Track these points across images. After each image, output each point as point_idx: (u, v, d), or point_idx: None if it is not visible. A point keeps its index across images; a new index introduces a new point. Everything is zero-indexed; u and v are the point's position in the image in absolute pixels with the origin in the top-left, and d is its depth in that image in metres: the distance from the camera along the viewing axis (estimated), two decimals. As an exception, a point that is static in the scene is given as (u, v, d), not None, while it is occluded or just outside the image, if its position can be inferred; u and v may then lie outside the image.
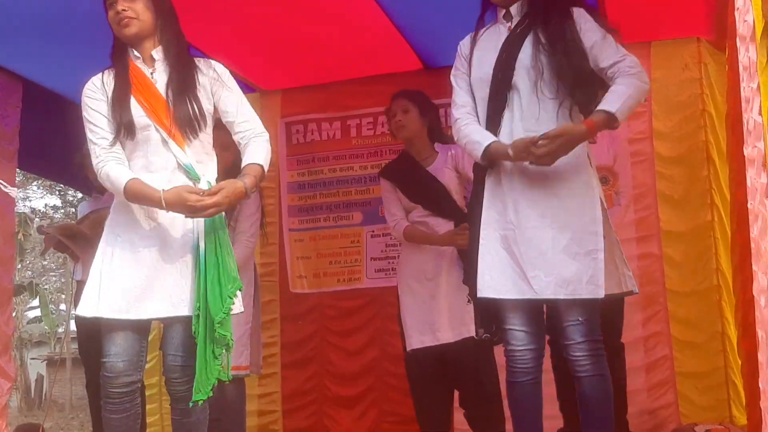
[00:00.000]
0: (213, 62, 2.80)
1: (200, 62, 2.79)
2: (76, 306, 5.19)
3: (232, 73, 5.05)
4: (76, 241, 4.48)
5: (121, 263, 2.66)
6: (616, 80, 2.58)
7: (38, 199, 21.76)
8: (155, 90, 2.70)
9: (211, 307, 2.54)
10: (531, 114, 2.63)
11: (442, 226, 3.78)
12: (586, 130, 2.57)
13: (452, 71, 2.86)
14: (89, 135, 2.73)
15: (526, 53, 2.65)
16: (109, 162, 2.67)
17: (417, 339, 3.77)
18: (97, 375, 4.49)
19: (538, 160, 2.52)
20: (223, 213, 2.65)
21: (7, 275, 4.93)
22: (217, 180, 2.76)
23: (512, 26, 2.73)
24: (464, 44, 2.86)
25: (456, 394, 3.93)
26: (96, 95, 2.75)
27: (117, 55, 2.79)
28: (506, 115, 2.67)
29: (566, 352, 2.62)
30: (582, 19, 2.66)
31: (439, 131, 4.11)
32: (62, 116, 5.16)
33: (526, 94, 2.64)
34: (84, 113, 2.76)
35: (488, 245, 2.64)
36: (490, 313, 2.70)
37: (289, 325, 5.44)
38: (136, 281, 2.64)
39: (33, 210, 19.56)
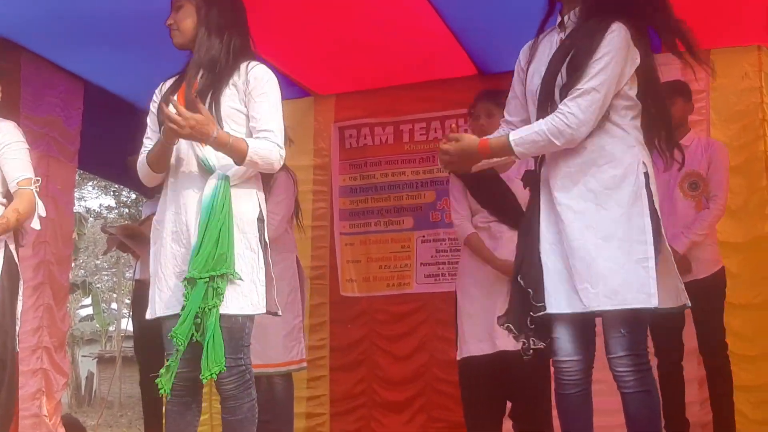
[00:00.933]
0: (254, 67, 2.83)
1: (243, 65, 2.83)
2: (132, 304, 5.33)
3: (286, 77, 5.18)
4: (136, 241, 4.57)
5: (162, 261, 2.78)
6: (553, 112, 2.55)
7: (93, 199, 22.25)
8: (190, 93, 2.83)
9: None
10: None
11: (506, 233, 3.71)
12: (476, 149, 2.63)
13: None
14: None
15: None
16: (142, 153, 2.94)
17: (475, 346, 3.72)
18: (150, 374, 4.62)
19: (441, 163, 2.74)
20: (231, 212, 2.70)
21: (64, 274, 5.04)
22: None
23: (564, 37, 2.65)
24: (523, 52, 2.82)
25: (508, 405, 3.88)
26: (154, 98, 2.95)
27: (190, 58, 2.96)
28: None
29: (610, 367, 2.56)
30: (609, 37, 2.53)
31: None
32: (121, 118, 5.28)
33: None
34: None
35: (546, 258, 2.60)
36: (543, 323, 2.66)
37: (338, 328, 5.46)
38: (173, 279, 2.74)
39: (88, 210, 19.94)
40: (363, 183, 5.59)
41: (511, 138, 2.57)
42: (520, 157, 2.65)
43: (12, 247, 3.28)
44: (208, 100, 2.75)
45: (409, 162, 5.50)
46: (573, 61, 2.53)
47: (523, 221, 2.78)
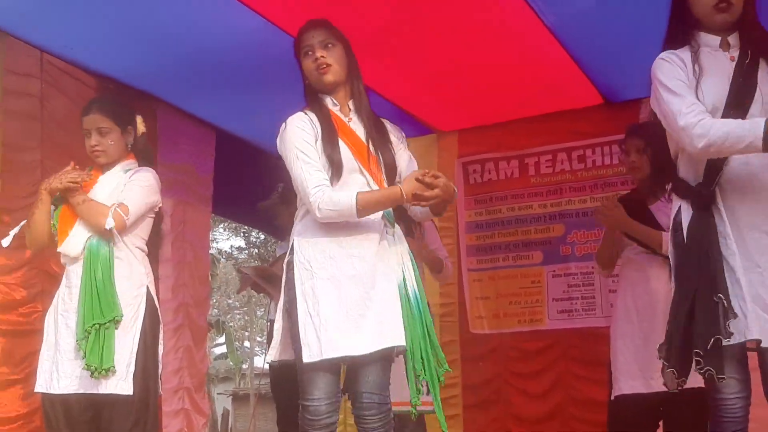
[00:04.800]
0: (390, 124, 2.93)
1: (385, 121, 2.90)
2: (268, 344, 5.40)
3: (408, 115, 5.22)
4: (270, 281, 4.67)
5: (326, 301, 2.62)
6: None
7: (224, 240, 22.96)
8: (358, 137, 2.75)
9: (433, 343, 2.69)
10: None
11: (656, 264, 3.58)
12: None
13: (669, 79, 2.56)
14: (301, 165, 2.65)
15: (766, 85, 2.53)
16: (329, 188, 2.63)
17: (627, 384, 3.56)
18: (286, 413, 4.67)
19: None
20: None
21: (202, 315, 5.20)
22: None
23: (735, 56, 2.57)
24: (678, 59, 2.59)
25: None
26: (307, 128, 2.69)
27: (313, 101, 2.81)
28: None
29: None
30: None
31: None
32: (251, 162, 5.46)
33: None
34: (293, 144, 2.67)
35: (738, 285, 2.45)
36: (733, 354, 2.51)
37: (469, 365, 5.39)
38: (343, 319, 2.60)
39: (219, 251, 20.59)
40: (489, 218, 5.54)
41: None
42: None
43: (153, 291, 3.38)
44: (390, 149, 2.79)
45: (536, 195, 5.42)
46: None
47: (692, 243, 2.55)
